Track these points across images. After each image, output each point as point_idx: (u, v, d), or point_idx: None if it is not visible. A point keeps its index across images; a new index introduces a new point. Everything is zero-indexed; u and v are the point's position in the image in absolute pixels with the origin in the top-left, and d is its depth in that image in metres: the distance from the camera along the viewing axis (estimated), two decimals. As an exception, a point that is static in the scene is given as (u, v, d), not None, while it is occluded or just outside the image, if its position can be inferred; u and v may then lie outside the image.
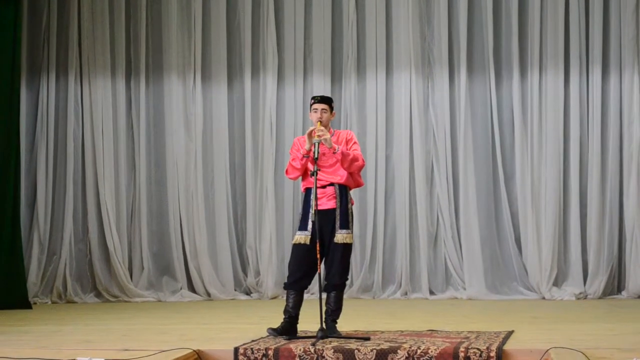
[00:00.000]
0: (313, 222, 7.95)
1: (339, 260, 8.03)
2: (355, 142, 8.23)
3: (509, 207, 12.97)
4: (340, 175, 8.10)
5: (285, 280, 8.20)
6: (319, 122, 8.09)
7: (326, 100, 8.21)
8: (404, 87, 13.15)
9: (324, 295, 8.01)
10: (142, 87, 13.40)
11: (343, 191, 8.10)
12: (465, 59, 13.04)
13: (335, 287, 8.10)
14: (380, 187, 13.15)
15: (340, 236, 8.03)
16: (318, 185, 7.97)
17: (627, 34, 12.75)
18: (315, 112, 8.14)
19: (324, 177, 8.05)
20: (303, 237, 8.08)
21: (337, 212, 8.06)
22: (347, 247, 8.07)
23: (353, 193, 8.38)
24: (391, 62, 13.25)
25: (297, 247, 8.10)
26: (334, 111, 8.26)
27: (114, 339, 8.30)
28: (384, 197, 13.15)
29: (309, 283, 8.21)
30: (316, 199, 7.91)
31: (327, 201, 8.05)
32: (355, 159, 8.08)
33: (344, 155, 8.00)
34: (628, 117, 12.78)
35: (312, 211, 8.01)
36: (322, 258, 8.00)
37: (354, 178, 8.21)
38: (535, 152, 12.89)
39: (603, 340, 7.92)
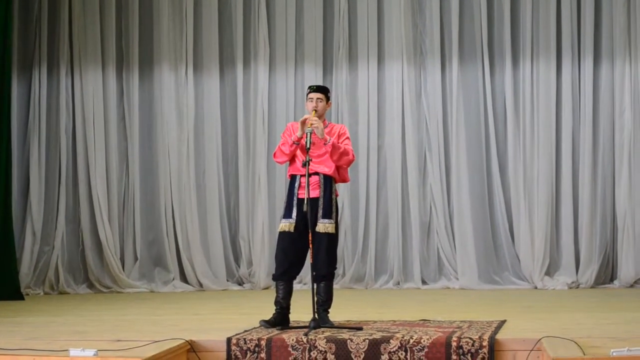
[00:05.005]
0: (305, 211, 7.90)
1: (325, 251, 8.00)
2: (347, 137, 8.22)
3: (502, 196, 12.97)
4: (328, 167, 8.08)
5: (274, 272, 8.20)
6: (314, 111, 8.09)
7: (322, 90, 8.22)
8: (396, 77, 13.15)
9: (315, 286, 8.01)
10: (134, 79, 13.38)
11: (327, 181, 8.08)
12: (457, 49, 13.04)
13: (324, 278, 8.07)
14: (373, 177, 13.15)
15: (322, 225, 8.00)
16: (304, 173, 7.95)
17: (619, 24, 12.75)
18: (311, 101, 8.14)
19: (311, 166, 8.02)
20: (287, 224, 8.07)
21: (320, 201, 8.04)
22: (331, 237, 8.04)
23: (344, 185, 8.37)
24: (383, 51, 13.24)
25: (282, 236, 8.08)
26: (330, 101, 8.25)
27: (106, 330, 8.29)
28: (376, 187, 13.15)
29: (297, 273, 8.20)
30: (308, 187, 7.89)
31: (311, 190, 8.01)
32: (345, 153, 8.07)
33: (334, 147, 7.99)
34: (619, 107, 12.79)
35: (296, 200, 8.02)
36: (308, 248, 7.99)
37: (341, 173, 8.19)
38: (528, 142, 12.90)
39: (595, 330, 7.94)
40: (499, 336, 7.33)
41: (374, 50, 13.19)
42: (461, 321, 8.45)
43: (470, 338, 7.17)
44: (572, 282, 12.67)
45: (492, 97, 13.04)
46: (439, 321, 8.48)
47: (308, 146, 7.87)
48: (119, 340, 7.39)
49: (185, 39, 13.37)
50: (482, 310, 9.77)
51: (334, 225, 8.06)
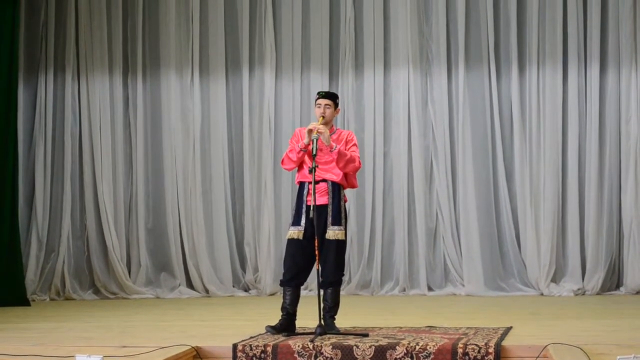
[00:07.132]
0: (311, 218, 7.92)
1: (333, 257, 8.02)
2: (354, 144, 8.22)
3: (508, 202, 12.96)
4: (335, 174, 8.09)
5: (282, 277, 8.20)
6: (321, 118, 8.10)
7: (330, 96, 8.23)
8: (402, 83, 13.15)
9: (322, 292, 8.02)
10: (140, 84, 13.40)
11: (336, 188, 8.10)
12: (463, 55, 13.03)
13: (331, 284, 8.09)
14: (379, 184, 13.14)
15: (331, 232, 8.02)
16: (311, 180, 7.95)
17: (625, 31, 12.75)
18: (319, 107, 8.16)
19: (319, 172, 8.02)
20: (296, 232, 8.08)
21: (329, 208, 8.05)
22: (340, 244, 8.06)
23: (350, 190, 8.37)
24: (389, 58, 13.24)
25: (291, 243, 8.10)
26: (338, 108, 8.26)
27: (112, 336, 8.30)
28: (382, 194, 13.14)
29: (305, 279, 8.22)
30: (314, 194, 7.89)
31: (319, 197, 8.02)
32: (351, 160, 8.06)
33: (340, 154, 7.99)
34: (626, 114, 12.79)
35: (304, 207, 8.03)
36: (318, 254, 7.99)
37: (349, 179, 8.20)
38: (534, 149, 12.89)
39: (601, 337, 7.93)
40: (505, 343, 7.33)
41: (380, 56, 13.19)
42: (467, 328, 8.45)
43: (477, 345, 7.16)
44: (578, 289, 12.66)
45: (498, 103, 13.03)
46: (445, 328, 8.48)
47: (314, 153, 7.88)
48: (124, 347, 7.39)
49: (191, 44, 13.38)
50: (488, 317, 9.76)
51: (343, 232, 8.07)
